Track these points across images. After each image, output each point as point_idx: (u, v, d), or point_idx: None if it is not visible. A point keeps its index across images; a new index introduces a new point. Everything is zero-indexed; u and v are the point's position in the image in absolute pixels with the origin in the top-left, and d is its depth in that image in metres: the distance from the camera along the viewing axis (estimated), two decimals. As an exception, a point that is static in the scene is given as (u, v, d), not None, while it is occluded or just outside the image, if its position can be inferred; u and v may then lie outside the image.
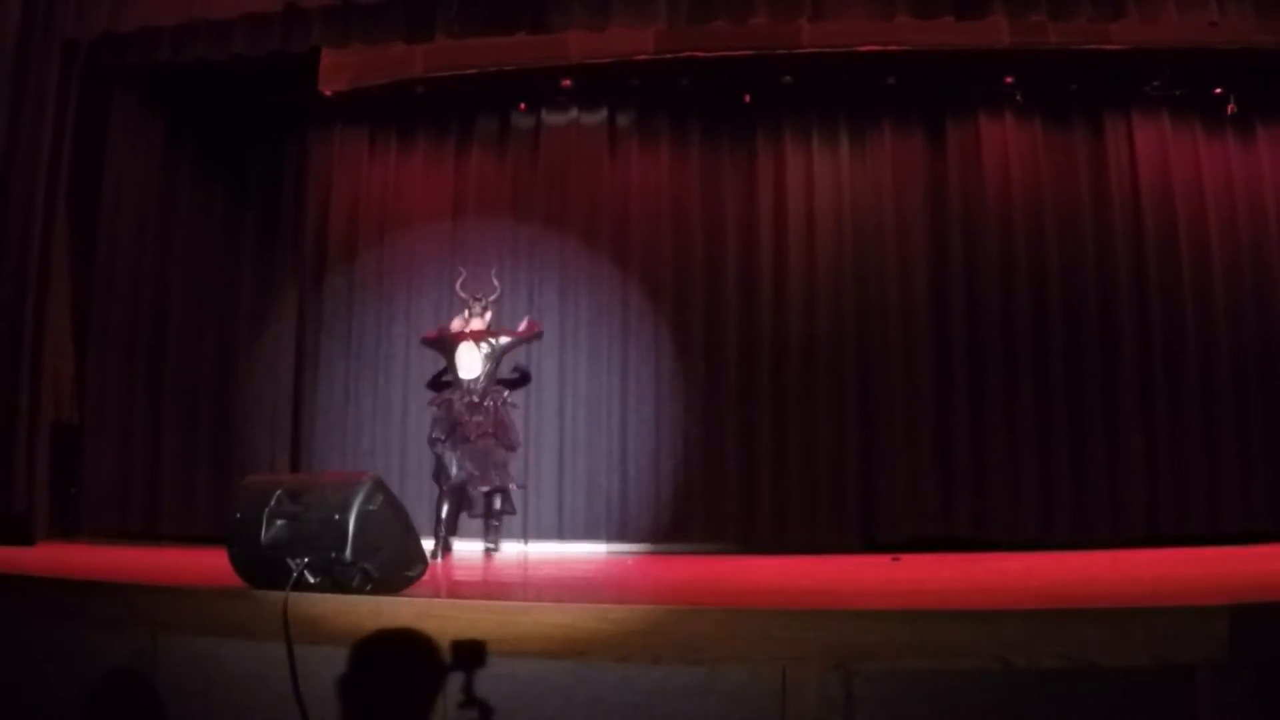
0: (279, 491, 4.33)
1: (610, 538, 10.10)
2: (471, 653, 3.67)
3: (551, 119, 10.93)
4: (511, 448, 9.19)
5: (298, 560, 4.10)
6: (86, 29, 9.04)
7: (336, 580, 4.10)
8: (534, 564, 8.26)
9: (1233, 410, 9.84)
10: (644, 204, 10.63)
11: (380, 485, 4.25)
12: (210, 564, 5.23)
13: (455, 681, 3.67)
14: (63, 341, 9.42)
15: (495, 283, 9.60)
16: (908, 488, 9.95)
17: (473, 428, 8.92)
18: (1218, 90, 10.28)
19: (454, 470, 8.90)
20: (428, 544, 7.88)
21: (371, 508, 4.16)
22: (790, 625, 3.59)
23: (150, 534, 9.79)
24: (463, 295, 9.52)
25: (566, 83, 10.77)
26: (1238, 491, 9.71)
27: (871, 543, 9.79)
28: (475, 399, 9.01)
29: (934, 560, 8.23)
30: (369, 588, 4.12)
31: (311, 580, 4.08)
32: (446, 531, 8.85)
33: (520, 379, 9.94)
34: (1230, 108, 10.26)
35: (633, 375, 10.40)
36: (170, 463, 10.15)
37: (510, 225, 10.73)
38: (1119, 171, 10.27)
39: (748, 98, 10.69)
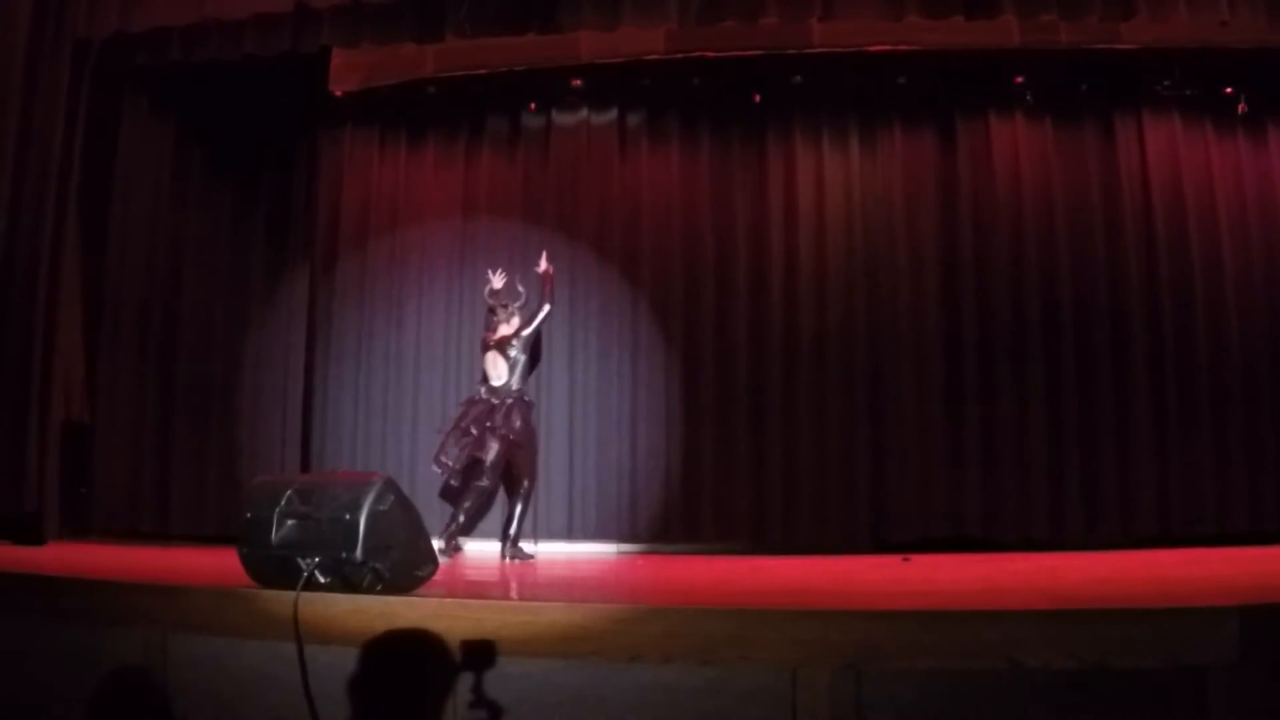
0: (289, 491, 4.34)
1: (620, 538, 10.11)
2: (481, 653, 3.67)
3: (562, 119, 10.92)
4: (521, 445, 9.11)
5: (308, 560, 4.10)
6: (97, 29, 9.06)
7: (347, 580, 4.10)
8: (544, 564, 8.26)
9: (1243, 410, 9.81)
10: (654, 204, 10.62)
11: (391, 485, 4.26)
12: (221, 564, 5.24)
13: (465, 681, 3.67)
14: (73, 341, 9.45)
15: (520, 289, 9.53)
16: (918, 488, 9.93)
17: (484, 428, 8.93)
18: (1229, 90, 10.24)
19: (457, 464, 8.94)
20: (437, 543, 8.00)
21: (382, 508, 4.17)
22: (801, 625, 3.60)
23: (161, 534, 9.80)
24: (490, 302, 9.48)
25: (577, 83, 10.76)
26: (1248, 492, 9.67)
27: (882, 543, 9.78)
28: (495, 400, 9.01)
29: (944, 560, 8.23)
30: (379, 588, 4.12)
31: (322, 580, 4.09)
32: (460, 531, 8.87)
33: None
34: (1241, 107, 10.23)
35: (643, 374, 10.40)
36: (181, 462, 10.16)
37: (521, 225, 10.73)
38: (1129, 171, 10.24)
39: (758, 97, 10.66)
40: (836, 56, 10.21)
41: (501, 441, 8.92)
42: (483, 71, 10.64)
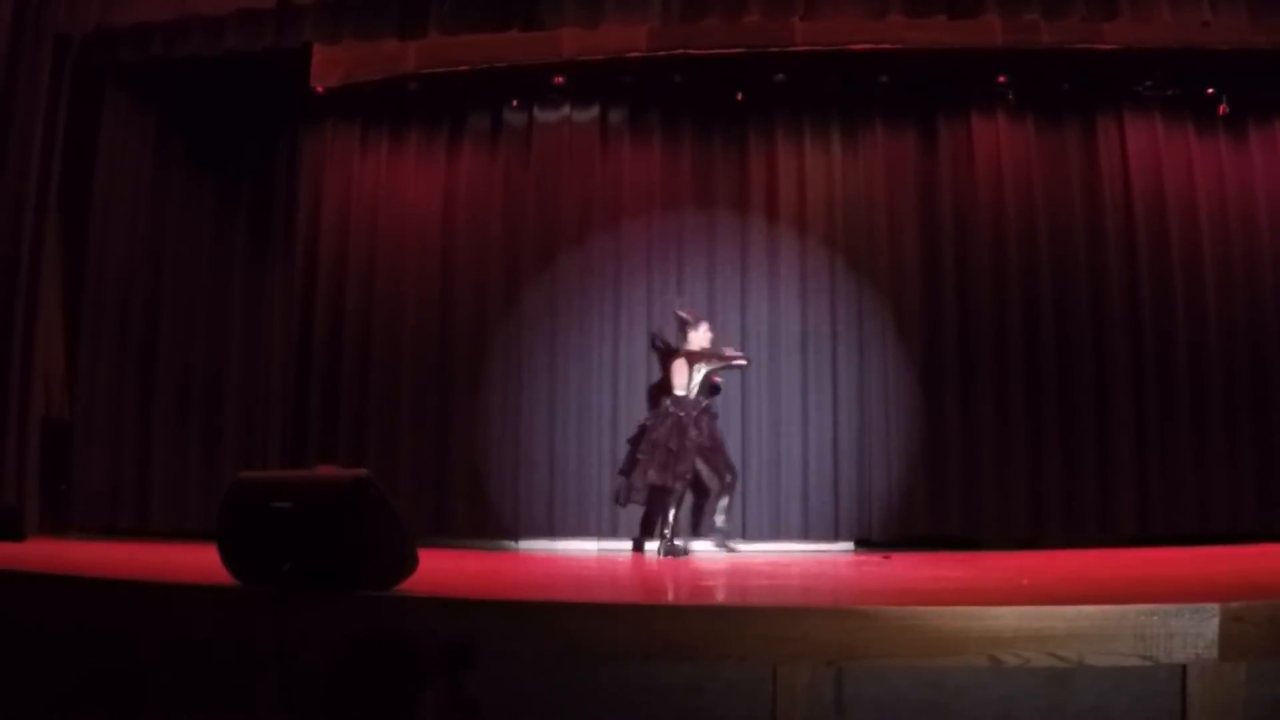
0: (271, 488, 4.32)
1: (603, 534, 10.16)
2: (460, 652, 3.67)
3: (544, 116, 10.91)
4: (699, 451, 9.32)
5: (289, 557, 4.08)
6: (78, 23, 9.03)
7: (327, 578, 4.09)
8: (524, 561, 8.26)
9: (1223, 409, 9.86)
10: (636, 201, 10.62)
11: (372, 483, 4.24)
12: (202, 560, 5.22)
13: (443, 680, 3.67)
14: (54, 337, 9.41)
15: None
16: (899, 486, 9.97)
17: (663, 436, 9.25)
18: (1210, 90, 10.29)
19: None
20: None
21: (363, 506, 4.14)
22: (781, 623, 3.59)
23: (141, 530, 9.77)
24: (682, 315, 9.62)
25: (559, 80, 10.76)
26: (1227, 490, 9.73)
27: (863, 541, 9.82)
28: (682, 413, 9.23)
29: (925, 559, 8.24)
30: (359, 586, 4.10)
31: (302, 578, 4.07)
32: (672, 533, 9.06)
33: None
34: (1222, 108, 10.27)
35: (624, 373, 10.41)
36: (161, 459, 10.12)
37: (501, 221, 10.72)
38: (1111, 171, 10.27)
39: (740, 96, 10.68)
40: (819, 55, 10.22)
41: (697, 450, 9.25)
42: (464, 68, 10.61)
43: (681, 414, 9.20)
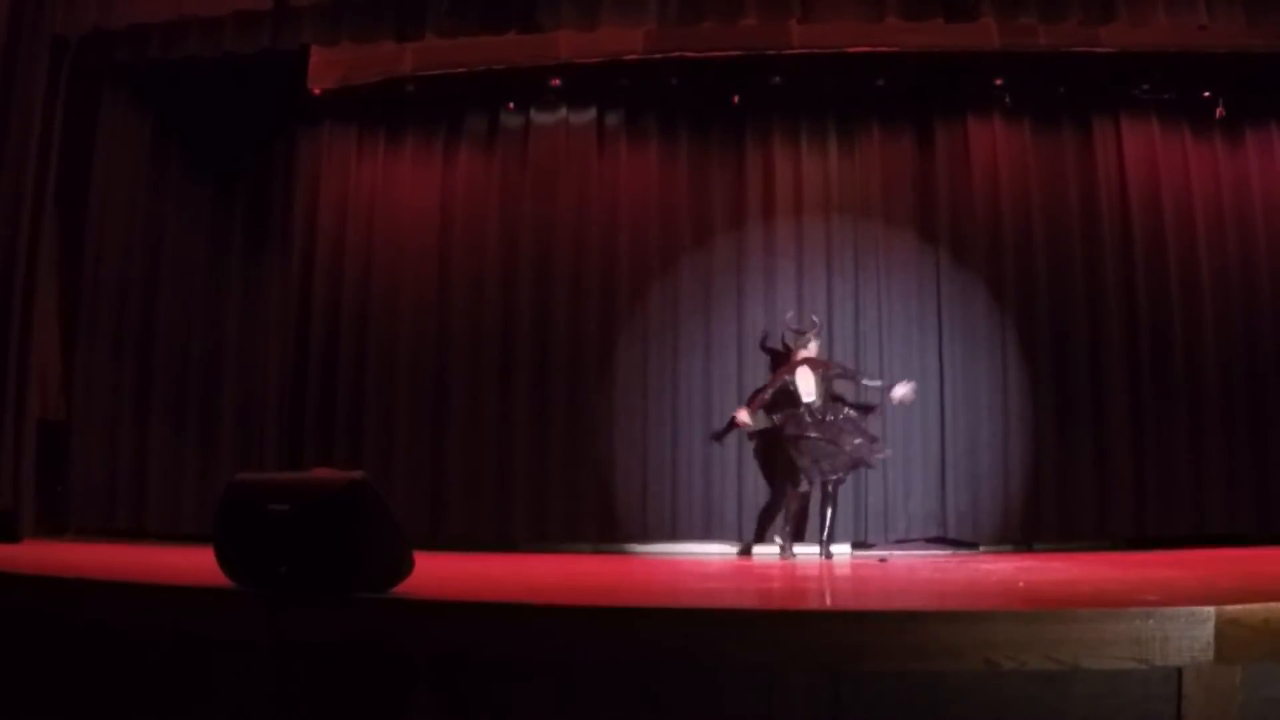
0: (267, 490, 4.31)
1: (597, 539, 10.15)
2: (453, 656, 3.66)
3: (540, 118, 10.91)
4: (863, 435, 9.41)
5: (285, 559, 4.08)
6: (76, 25, 9.04)
7: (323, 580, 4.08)
8: (519, 564, 8.24)
9: (1219, 413, 9.86)
10: (632, 204, 10.61)
11: (368, 485, 4.23)
12: (198, 562, 5.21)
13: (436, 683, 3.66)
14: (50, 339, 9.41)
15: (815, 318, 9.90)
16: (894, 488, 9.97)
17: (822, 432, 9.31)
18: (1206, 94, 10.30)
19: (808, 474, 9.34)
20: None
21: (359, 508, 4.14)
22: (778, 627, 3.59)
23: (137, 531, 9.78)
24: (794, 328, 9.80)
25: (556, 82, 10.75)
26: (1224, 494, 9.73)
27: (859, 543, 9.83)
28: (818, 416, 9.30)
29: (921, 561, 8.23)
30: (355, 588, 4.10)
31: (298, 580, 4.06)
32: (794, 536, 9.25)
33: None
34: (1219, 111, 10.28)
35: (621, 373, 10.40)
36: (158, 461, 10.13)
37: (498, 223, 10.71)
38: (1107, 174, 10.28)
39: (737, 98, 10.68)
40: (816, 58, 10.22)
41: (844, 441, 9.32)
42: (462, 70, 10.61)
43: (815, 416, 9.31)
